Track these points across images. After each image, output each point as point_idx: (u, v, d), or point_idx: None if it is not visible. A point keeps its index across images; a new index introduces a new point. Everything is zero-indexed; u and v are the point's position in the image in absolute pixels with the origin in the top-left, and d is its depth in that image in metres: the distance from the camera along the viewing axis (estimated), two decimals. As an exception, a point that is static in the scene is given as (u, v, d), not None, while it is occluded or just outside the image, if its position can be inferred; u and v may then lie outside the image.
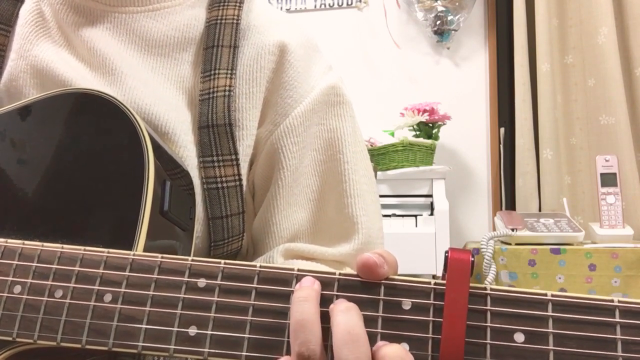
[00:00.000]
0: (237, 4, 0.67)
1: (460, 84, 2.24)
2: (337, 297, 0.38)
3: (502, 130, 2.12)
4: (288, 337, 0.37)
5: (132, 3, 0.65)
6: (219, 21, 0.65)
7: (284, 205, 0.63)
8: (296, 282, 0.38)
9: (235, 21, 0.65)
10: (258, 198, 0.66)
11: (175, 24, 0.65)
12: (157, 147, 0.52)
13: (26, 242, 0.44)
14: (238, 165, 0.61)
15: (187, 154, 0.59)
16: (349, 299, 0.38)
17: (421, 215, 1.80)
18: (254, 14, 0.68)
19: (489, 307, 0.36)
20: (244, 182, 0.62)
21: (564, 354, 0.34)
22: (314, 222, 0.64)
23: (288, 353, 0.37)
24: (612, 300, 0.34)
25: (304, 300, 0.36)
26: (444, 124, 2.00)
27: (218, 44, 0.64)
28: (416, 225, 1.79)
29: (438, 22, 2.19)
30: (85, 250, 0.42)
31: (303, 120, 0.64)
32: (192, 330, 0.38)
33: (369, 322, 0.36)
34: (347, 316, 0.36)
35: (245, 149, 0.62)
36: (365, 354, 0.34)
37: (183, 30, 0.65)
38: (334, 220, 0.64)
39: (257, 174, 0.65)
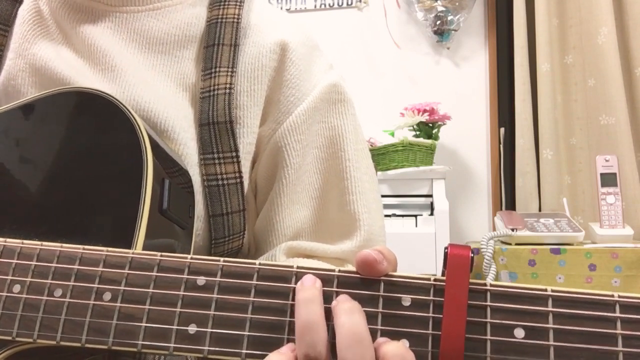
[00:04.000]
0: (238, 3, 0.67)
1: (460, 84, 2.23)
2: (337, 294, 0.38)
3: (502, 130, 2.12)
4: (288, 335, 0.37)
5: (133, 2, 0.65)
6: (219, 20, 0.65)
7: (287, 203, 0.63)
8: (296, 280, 0.38)
9: (235, 20, 0.65)
10: (261, 197, 0.66)
11: (176, 22, 0.65)
12: (155, 146, 0.52)
13: (25, 241, 0.44)
14: (239, 162, 0.61)
15: (188, 151, 0.59)
16: (349, 296, 0.38)
17: (421, 215, 1.80)
18: (255, 13, 0.68)
19: (488, 303, 0.36)
20: (245, 180, 0.62)
21: (564, 349, 0.34)
22: (316, 219, 0.65)
23: None
24: (612, 295, 0.34)
25: (310, 301, 0.36)
26: (444, 124, 2.00)
27: (219, 42, 0.64)
28: (416, 225, 1.79)
29: (438, 22, 2.19)
30: (84, 249, 0.42)
31: (306, 119, 0.64)
32: (192, 328, 0.38)
33: (369, 318, 0.36)
34: (351, 317, 0.35)
35: (246, 146, 0.62)
36: (370, 355, 0.34)
37: (184, 28, 0.65)
38: (336, 218, 0.64)
39: (260, 173, 0.65)
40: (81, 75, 0.61)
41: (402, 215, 1.81)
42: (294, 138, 0.63)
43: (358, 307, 0.36)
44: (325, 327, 0.36)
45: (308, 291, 0.37)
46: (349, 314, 0.36)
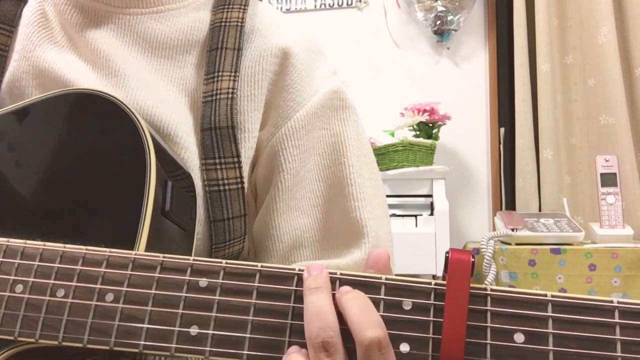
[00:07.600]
0: (242, 7, 0.66)
1: (460, 84, 2.23)
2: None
3: (502, 130, 2.12)
4: (289, 337, 0.37)
5: (137, 5, 0.65)
6: (223, 24, 0.65)
7: (283, 208, 0.63)
8: (297, 282, 0.39)
9: (239, 24, 0.65)
10: (260, 200, 0.66)
11: (179, 26, 0.65)
12: (158, 148, 0.52)
13: (28, 241, 0.44)
14: (240, 167, 0.61)
15: (189, 155, 0.59)
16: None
17: (421, 215, 1.80)
18: (259, 17, 0.68)
19: (489, 308, 0.36)
20: (246, 185, 0.62)
21: (563, 354, 0.34)
22: (320, 228, 0.63)
23: None
24: (611, 301, 0.35)
25: (317, 289, 0.37)
26: (444, 124, 2.00)
27: (222, 46, 0.64)
28: (416, 225, 1.79)
29: (438, 22, 2.18)
30: (87, 249, 0.42)
31: (305, 124, 0.64)
32: (194, 330, 0.38)
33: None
34: (356, 298, 0.36)
35: (247, 151, 0.62)
36: (383, 330, 0.35)
37: (187, 32, 0.65)
38: (341, 225, 0.63)
39: (258, 176, 0.65)
40: (85, 78, 0.61)
41: (402, 215, 1.81)
42: (291, 143, 0.63)
43: (361, 293, 0.37)
44: (335, 314, 0.36)
45: (316, 279, 0.37)
46: (352, 294, 0.37)
